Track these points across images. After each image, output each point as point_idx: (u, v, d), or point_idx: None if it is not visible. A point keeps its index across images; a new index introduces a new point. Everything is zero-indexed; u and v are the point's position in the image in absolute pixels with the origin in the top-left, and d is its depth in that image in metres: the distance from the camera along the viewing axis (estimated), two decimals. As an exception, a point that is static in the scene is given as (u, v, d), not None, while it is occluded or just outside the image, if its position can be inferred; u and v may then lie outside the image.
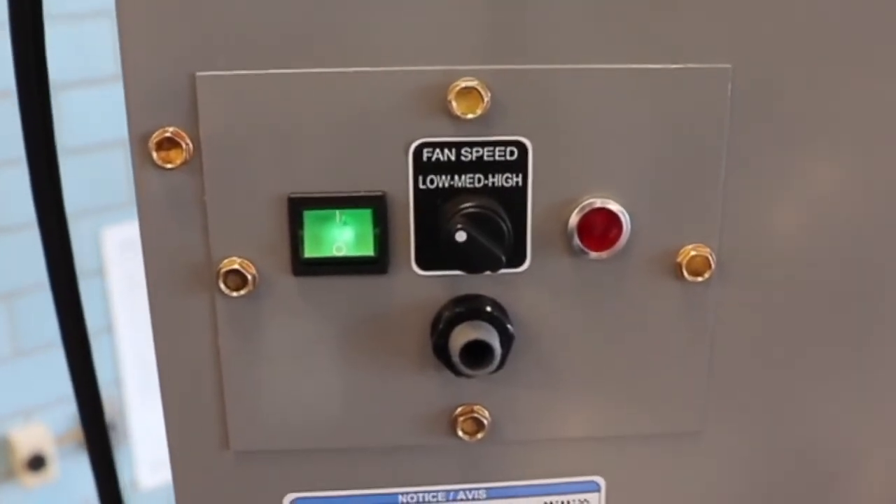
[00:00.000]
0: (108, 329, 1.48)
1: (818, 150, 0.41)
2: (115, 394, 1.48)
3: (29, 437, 1.45)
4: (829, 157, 0.41)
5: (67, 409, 1.47)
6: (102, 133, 1.41)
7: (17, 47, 0.44)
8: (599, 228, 0.40)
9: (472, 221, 0.38)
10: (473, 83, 0.38)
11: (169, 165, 0.39)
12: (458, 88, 0.38)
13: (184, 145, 0.38)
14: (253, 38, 0.38)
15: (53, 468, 1.47)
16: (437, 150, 0.39)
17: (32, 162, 0.46)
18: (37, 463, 1.45)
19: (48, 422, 1.47)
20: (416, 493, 0.44)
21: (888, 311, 0.44)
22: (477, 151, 0.39)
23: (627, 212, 0.40)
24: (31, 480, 1.46)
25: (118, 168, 1.43)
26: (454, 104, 0.38)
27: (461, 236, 0.38)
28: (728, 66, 0.39)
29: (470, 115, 0.38)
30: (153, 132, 0.38)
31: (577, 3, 0.38)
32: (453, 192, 0.39)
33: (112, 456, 0.53)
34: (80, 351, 0.50)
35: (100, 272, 1.46)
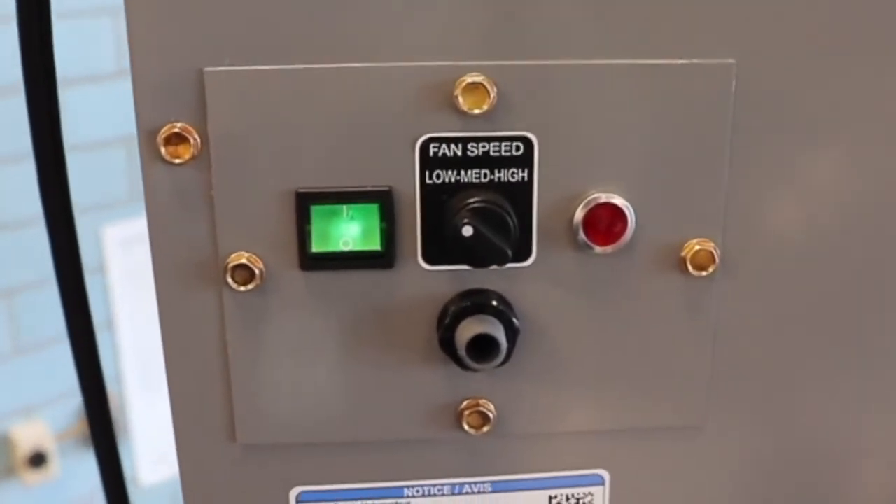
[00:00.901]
0: (109, 325, 1.48)
1: (822, 145, 0.41)
2: (116, 390, 1.49)
3: (29, 435, 1.45)
4: (834, 151, 0.41)
5: (68, 405, 1.47)
6: (103, 130, 1.41)
7: (24, 43, 0.44)
8: (604, 223, 0.40)
9: (478, 216, 0.38)
10: (480, 79, 0.38)
11: (177, 161, 0.39)
12: (464, 84, 0.38)
13: (192, 140, 0.39)
14: (260, 33, 0.38)
15: (54, 465, 1.48)
16: (444, 146, 0.39)
17: (40, 158, 0.46)
18: (37, 460, 1.45)
19: (48, 419, 1.47)
20: (421, 486, 0.45)
21: (891, 306, 0.44)
22: (483, 147, 0.39)
23: (632, 206, 0.40)
24: (32, 478, 1.47)
25: (119, 165, 1.43)
26: (460, 99, 0.38)
27: (467, 231, 0.38)
28: (732, 61, 0.39)
29: (476, 111, 0.38)
30: (161, 127, 0.39)
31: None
32: (459, 187, 0.40)
33: (117, 451, 0.53)
34: (87, 346, 0.50)
35: (100, 269, 1.47)
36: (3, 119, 1.16)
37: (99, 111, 1.37)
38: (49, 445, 1.46)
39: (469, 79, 0.38)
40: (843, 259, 0.43)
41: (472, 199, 0.39)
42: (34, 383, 1.45)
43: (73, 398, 1.42)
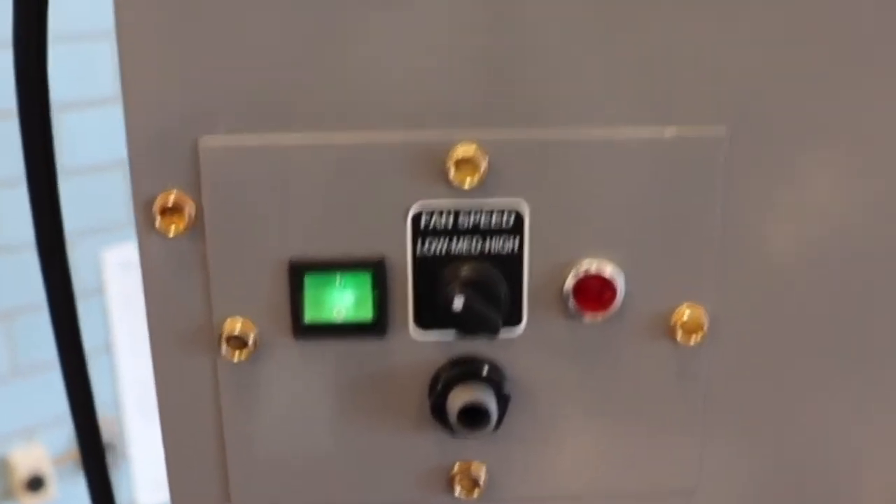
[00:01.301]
0: (107, 349, 1.48)
1: (811, 210, 0.42)
2: (114, 413, 1.49)
3: (27, 458, 1.45)
4: (822, 214, 0.42)
5: (65, 429, 1.47)
6: (101, 154, 1.41)
7: (19, 68, 0.43)
8: (594, 291, 0.41)
9: (469, 288, 0.39)
10: (471, 152, 0.39)
11: (172, 231, 0.39)
12: (456, 157, 0.39)
13: (186, 210, 0.39)
14: (254, 102, 0.39)
15: (52, 489, 1.48)
16: (435, 216, 0.40)
17: (32, 184, 0.46)
18: (35, 484, 1.46)
19: (46, 442, 1.48)
20: (413, 547, 0.45)
21: (888, 362, 0.44)
22: (475, 218, 0.40)
23: (623, 273, 0.41)
24: (30, 501, 1.47)
25: (117, 188, 1.44)
26: (452, 172, 0.39)
27: (458, 303, 0.39)
28: (723, 132, 0.40)
29: (468, 183, 0.39)
30: (157, 196, 0.39)
31: (573, 67, 0.39)
32: (451, 257, 0.40)
33: (109, 479, 0.53)
34: (78, 375, 0.49)
35: (99, 292, 1.47)
36: (3, 142, 1.16)
37: (98, 135, 1.38)
38: (47, 469, 1.47)
39: (461, 151, 0.39)
40: (833, 321, 0.43)
41: (463, 271, 0.40)
42: (32, 406, 1.46)
43: (71, 422, 1.42)
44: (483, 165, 0.39)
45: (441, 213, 0.40)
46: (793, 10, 0.39)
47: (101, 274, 1.47)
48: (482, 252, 0.40)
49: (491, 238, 0.40)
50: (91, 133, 1.39)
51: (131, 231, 0.41)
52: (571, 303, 0.41)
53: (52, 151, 0.46)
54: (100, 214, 1.44)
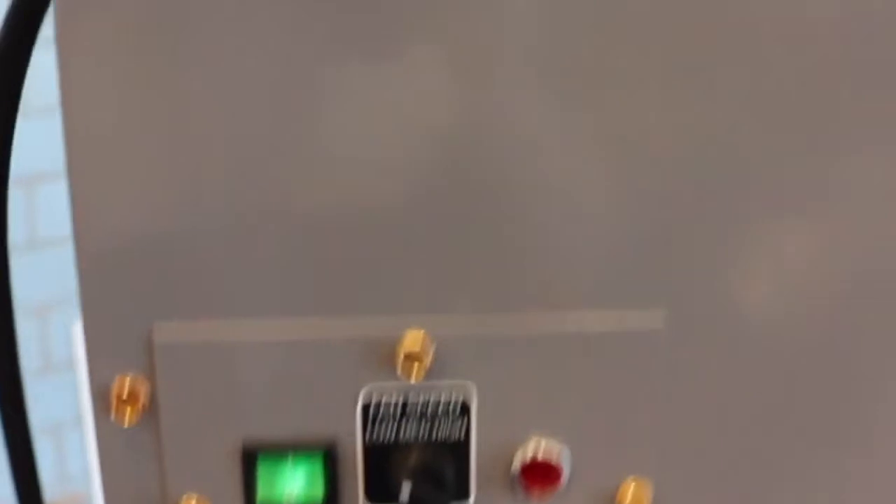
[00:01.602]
0: (79, 422, 1.48)
1: (751, 382, 0.43)
2: (85, 488, 1.48)
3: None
4: (760, 388, 0.43)
5: None
6: (75, 226, 1.42)
7: None
8: (541, 472, 0.42)
9: (416, 476, 0.40)
10: (419, 344, 0.40)
11: (127, 421, 0.40)
12: (404, 350, 0.40)
13: (141, 396, 0.40)
14: (208, 289, 0.40)
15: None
16: (384, 402, 0.41)
17: None
18: (4, 559, 1.45)
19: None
20: None
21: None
22: (422, 404, 0.41)
23: (568, 451, 0.42)
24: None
25: (90, 262, 1.44)
26: (400, 364, 0.40)
27: (406, 493, 0.40)
28: (662, 316, 0.41)
29: (414, 375, 0.40)
30: (112, 382, 0.40)
31: (520, 254, 0.40)
32: (400, 443, 0.41)
33: None
34: (24, 459, 0.48)
35: (70, 364, 1.47)
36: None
37: (71, 207, 1.38)
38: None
39: (409, 342, 0.40)
40: (775, 485, 0.44)
41: (411, 459, 0.41)
42: None
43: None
44: (429, 356, 0.40)
45: (390, 399, 0.41)
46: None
47: (73, 346, 1.46)
48: (430, 436, 0.41)
49: (439, 422, 0.41)
50: (64, 204, 1.39)
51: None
52: (518, 484, 0.42)
53: (6, 223, 0.45)
54: (72, 286, 1.44)
